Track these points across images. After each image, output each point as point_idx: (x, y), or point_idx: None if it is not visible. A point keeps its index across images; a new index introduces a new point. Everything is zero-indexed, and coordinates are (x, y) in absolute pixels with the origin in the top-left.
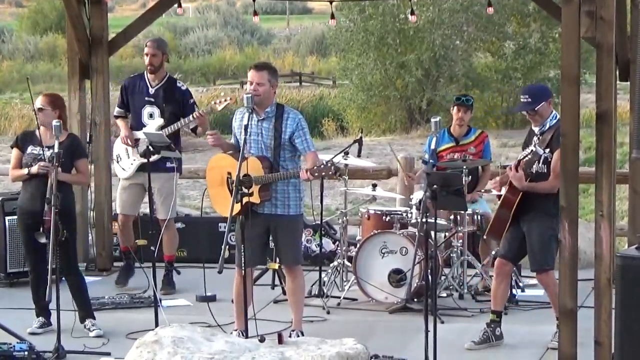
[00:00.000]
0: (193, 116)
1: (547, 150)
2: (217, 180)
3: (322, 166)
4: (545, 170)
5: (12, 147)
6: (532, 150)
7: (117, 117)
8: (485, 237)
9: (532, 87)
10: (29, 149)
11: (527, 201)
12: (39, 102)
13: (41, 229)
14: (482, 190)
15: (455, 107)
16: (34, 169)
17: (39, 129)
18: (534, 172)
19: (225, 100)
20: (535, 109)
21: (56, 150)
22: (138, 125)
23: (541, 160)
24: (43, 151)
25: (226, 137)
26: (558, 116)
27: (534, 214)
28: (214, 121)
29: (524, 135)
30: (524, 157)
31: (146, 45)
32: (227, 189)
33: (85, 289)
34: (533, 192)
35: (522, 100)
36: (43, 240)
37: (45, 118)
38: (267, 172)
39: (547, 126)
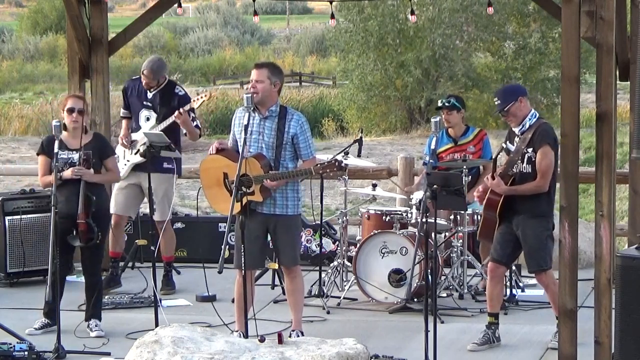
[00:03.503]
0: (175, 115)
1: (530, 149)
2: (212, 181)
3: (326, 163)
4: (530, 170)
5: (38, 154)
6: (502, 147)
7: (123, 117)
8: (477, 239)
9: (502, 89)
10: (58, 154)
11: (516, 202)
12: (77, 104)
13: (74, 232)
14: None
15: (441, 112)
16: (67, 174)
17: (66, 130)
18: (517, 171)
19: (201, 98)
20: (505, 109)
21: (55, 150)
22: (137, 127)
23: (525, 160)
24: (74, 154)
25: (226, 137)
26: (537, 114)
27: (526, 217)
28: (214, 121)
29: None
30: (497, 155)
31: (143, 73)
32: (226, 189)
33: (101, 291)
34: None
35: (495, 102)
36: (77, 243)
37: (82, 121)
38: (266, 171)
39: (527, 125)
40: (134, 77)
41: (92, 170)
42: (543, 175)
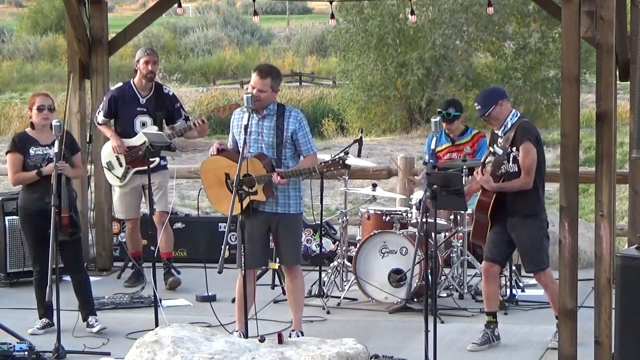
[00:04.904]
0: (196, 123)
1: (514, 148)
2: (214, 182)
3: (330, 161)
4: (516, 169)
5: (8, 153)
6: (490, 152)
7: (100, 124)
8: (470, 240)
9: (482, 93)
10: (32, 151)
11: (506, 203)
12: (47, 101)
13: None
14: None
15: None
16: (48, 169)
17: (33, 128)
18: (505, 171)
19: (230, 108)
20: (486, 114)
21: (56, 149)
22: (129, 134)
23: (511, 159)
24: (50, 150)
25: (224, 137)
26: (519, 113)
27: (520, 218)
28: (213, 121)
29: None
30: (485, 159)
31: (146, 54)
32: (228, 190)
33: (89, 287)
34: (510, 193)
35: (476, 107)
36: (60, 237)
37: (51, 117)
38: (268, 170)
39: (509, 125)
40: (118, 86)
41: (68, 165)
42: (527, 172)
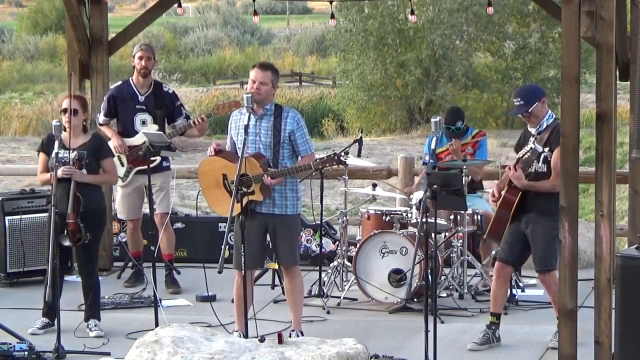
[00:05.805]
0: (195, 121)
1: (547, 149)
2: (212, 183)
3: (325, 157)
4: (545, 170)
5: (38, 152)
6: (531, 148)
7: (101, 124)
8: (484, 238)
9: (524, 89)
10: (54, 153)
11: (527, 201)
12: (71, 104)
13: (65, 232)
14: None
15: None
16: (58, 173)
17: (64, 130)
18: (533, 171)
19: (230, 106)
20: (529, 110)
21: (55, 150)
22: (129, 132)
23: (541, 160)
24: (69, 154)
25: (224, 138)
26: (554, 115)
27: (537, 215)
28: (213, 121)
29: None
30: (523, 156)
31: (140, 49)
32: (226, 190)
33: (98, 292)
34: (533, 192)
35: (515, 103)
36: (66, 243)
37: (76, 121)
38: (265, 169)
39: (544, 125)
40: (116, 85)
41: (84, 171)
42: (558, 175)
